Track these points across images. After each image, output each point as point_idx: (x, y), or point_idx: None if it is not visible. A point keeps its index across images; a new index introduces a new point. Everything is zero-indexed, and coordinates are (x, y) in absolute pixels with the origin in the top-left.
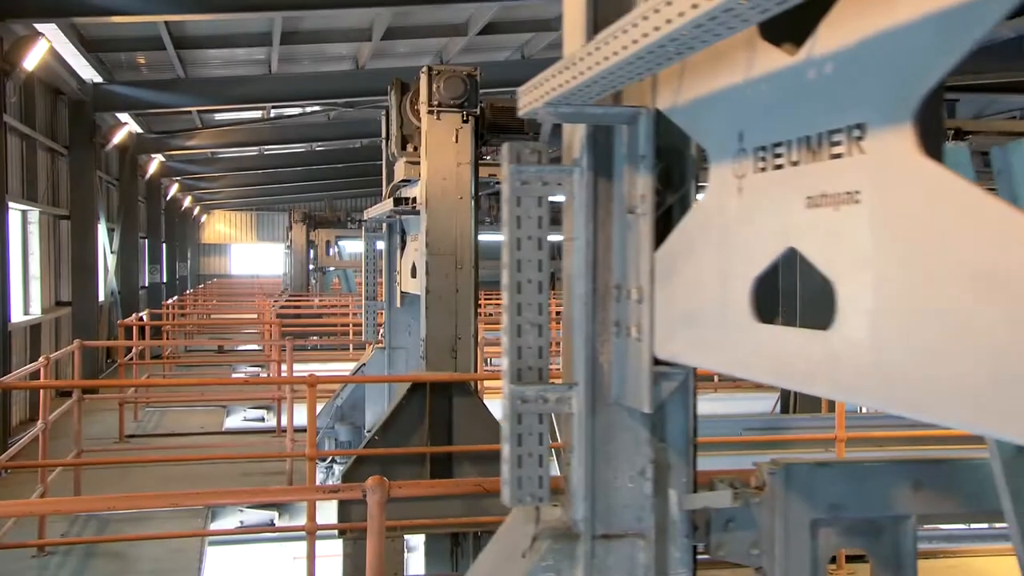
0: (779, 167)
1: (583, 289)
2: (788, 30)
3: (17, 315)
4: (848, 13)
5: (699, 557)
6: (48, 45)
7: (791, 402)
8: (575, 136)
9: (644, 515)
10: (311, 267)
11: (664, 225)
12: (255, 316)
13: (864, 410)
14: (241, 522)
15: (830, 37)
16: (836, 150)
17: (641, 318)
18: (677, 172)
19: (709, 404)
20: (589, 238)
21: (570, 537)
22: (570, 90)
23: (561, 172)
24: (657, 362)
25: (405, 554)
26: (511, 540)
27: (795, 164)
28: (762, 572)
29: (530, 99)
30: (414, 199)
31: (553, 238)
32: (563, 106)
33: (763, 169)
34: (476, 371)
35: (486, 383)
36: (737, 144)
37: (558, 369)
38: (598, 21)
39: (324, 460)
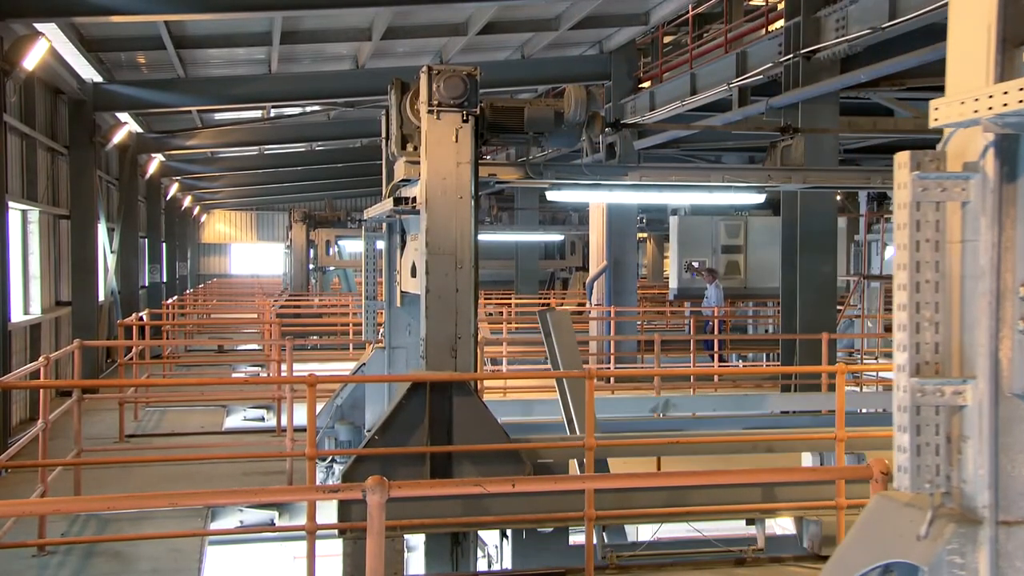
0: None
1: (986, 288)
2: None
3: (17, 315)
4: None
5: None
6: (48, 45)
7: None
8: (970, 143)
9: None
10: (311, 267)
11: None
12: (255, 316)
13: (863, 410)
14: (241, 522)
15: None
16: None
17: None
18: None
19: (709, 404)
20: (994, 240)
21: (972, 522)
22: None
23: (959, 178)
24: None
25: (405, 554)
26: (886, 524)
27: None
28: None
29: (958, 111)
30: (414, 199)
31: (550, 238)
32: (1012, 116)
33: None
34: (476, 371)
35: (486, 383)
36: None
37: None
38: (1007, 37)
39: (324, 460)
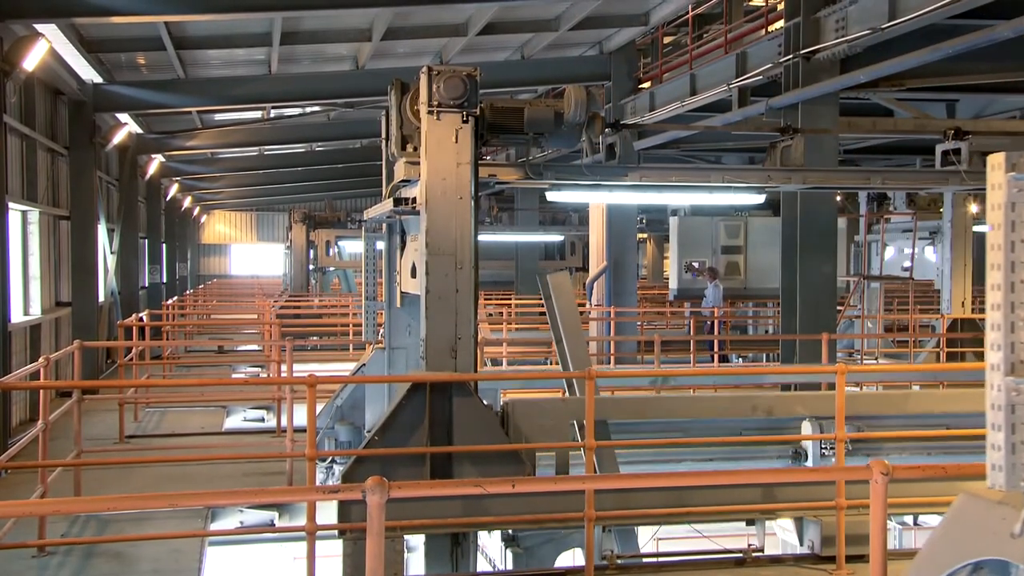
0: None
1: None
2: None
3: (17, 315)
4: None
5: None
6: (48, 45)
7: None
8: None
9: None
10: (311, 267)
11: None
12: (255, 316)
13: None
14: (241, 522)
15: None
16: None
17: None
18: None
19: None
20: None
21: None
22: None
23: None
24: None
25: (405, 554)
26: (976, 522)
27: None
28: None
29: None
30: (414, 199)
31: (550, 238)
32: None
33: None
34: (476, 371)
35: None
36: None
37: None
38: None
39: (324, 460)
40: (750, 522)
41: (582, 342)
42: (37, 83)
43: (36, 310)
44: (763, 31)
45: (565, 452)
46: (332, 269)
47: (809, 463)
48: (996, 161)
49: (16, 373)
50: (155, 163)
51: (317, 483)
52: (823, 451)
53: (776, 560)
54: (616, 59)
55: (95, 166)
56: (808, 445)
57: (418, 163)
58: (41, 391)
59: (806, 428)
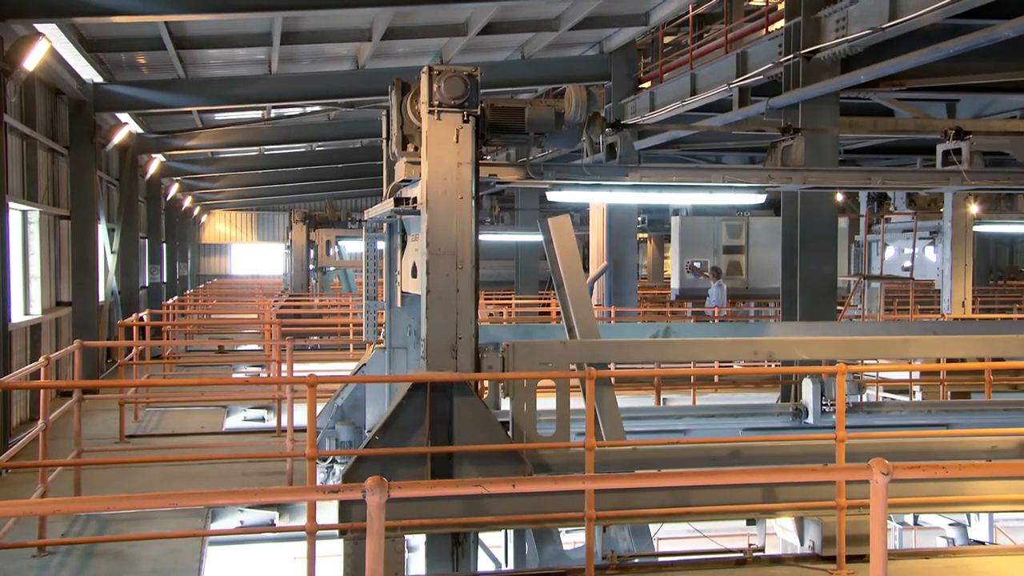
0: None
1: None
2: None
3: (17, 315)
4: None
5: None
6: (48, 45)
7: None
8: None
9: None
10: (311, 267)
11: None
12: (255, 316)
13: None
14: (241, 522)
15: None
16: None
17: None
18: None
19: (709, 403)
20: None
21: None
22: None
23: None
24: None
25: (405, 554)
26: None
27: None
28: None
29: None
30: (415, 199)
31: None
32: None
33: None
34: (476, 371)
35: (486, 383)
36: None
37: None
38: None
39: (324, 460)
40: (751, 522)
41: (583, 287)
42: (37, 83)
43: (36, 310)
44: (763, 31)
45: (566, 398)
46: (332, 269)
47: (810, 420)
48: None
49: (16, 373)
50: (155, 163)
51: (317, 483)
52: (823, 407)
53: (776, 560)
54: (616, 59)
55: (95, 166)
56: (809, 403)
57: (419, 163)
58: (41, 391)
59: (806, 385)
